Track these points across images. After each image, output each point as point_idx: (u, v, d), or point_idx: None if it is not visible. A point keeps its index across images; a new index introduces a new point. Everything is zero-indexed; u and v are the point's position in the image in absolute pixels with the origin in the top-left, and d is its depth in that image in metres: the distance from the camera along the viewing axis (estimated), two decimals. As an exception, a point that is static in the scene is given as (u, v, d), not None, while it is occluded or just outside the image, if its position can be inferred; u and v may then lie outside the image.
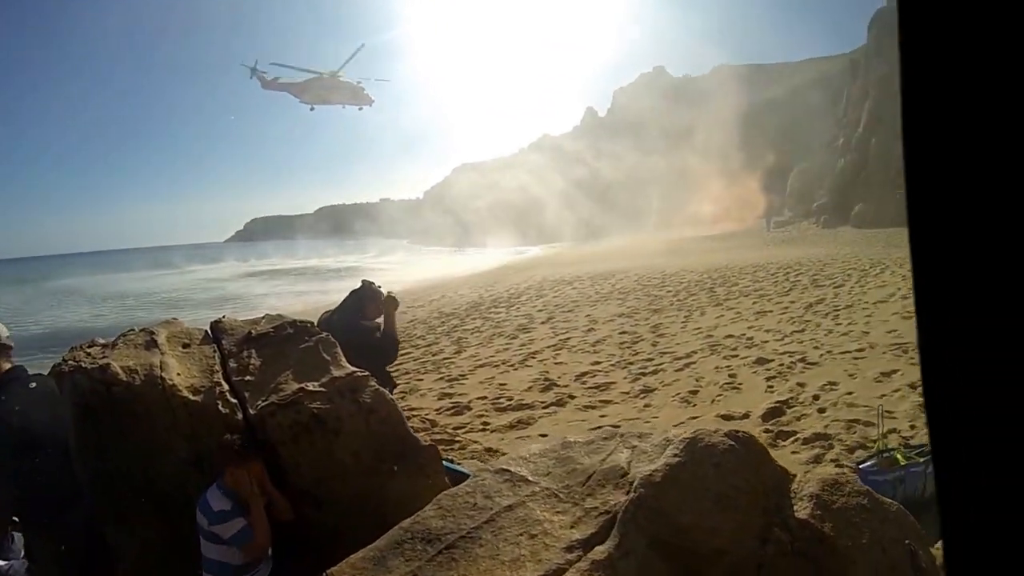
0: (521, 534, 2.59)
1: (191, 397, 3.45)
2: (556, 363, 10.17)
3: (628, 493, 2.61)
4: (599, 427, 6.90)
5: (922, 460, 4.85)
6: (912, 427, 6.14)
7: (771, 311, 12.86)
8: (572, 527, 2.57)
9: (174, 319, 4.18)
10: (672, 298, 15.88)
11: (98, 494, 3.50)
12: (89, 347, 3.76)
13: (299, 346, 3.69)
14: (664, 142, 70.48)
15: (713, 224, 51.84)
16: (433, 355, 11.50)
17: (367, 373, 3.58)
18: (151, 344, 3.77)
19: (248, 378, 3.56)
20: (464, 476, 4.18)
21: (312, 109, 50.59)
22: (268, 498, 3.20)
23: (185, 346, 3.85)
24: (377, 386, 3.55)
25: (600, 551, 2.43)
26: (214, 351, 3.80)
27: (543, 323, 14.05)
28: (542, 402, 8.05)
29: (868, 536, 2.65)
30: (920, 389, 6.05)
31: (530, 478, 2.87)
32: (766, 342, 10.28)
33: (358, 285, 5.04)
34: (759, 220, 46.87)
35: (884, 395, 7.12)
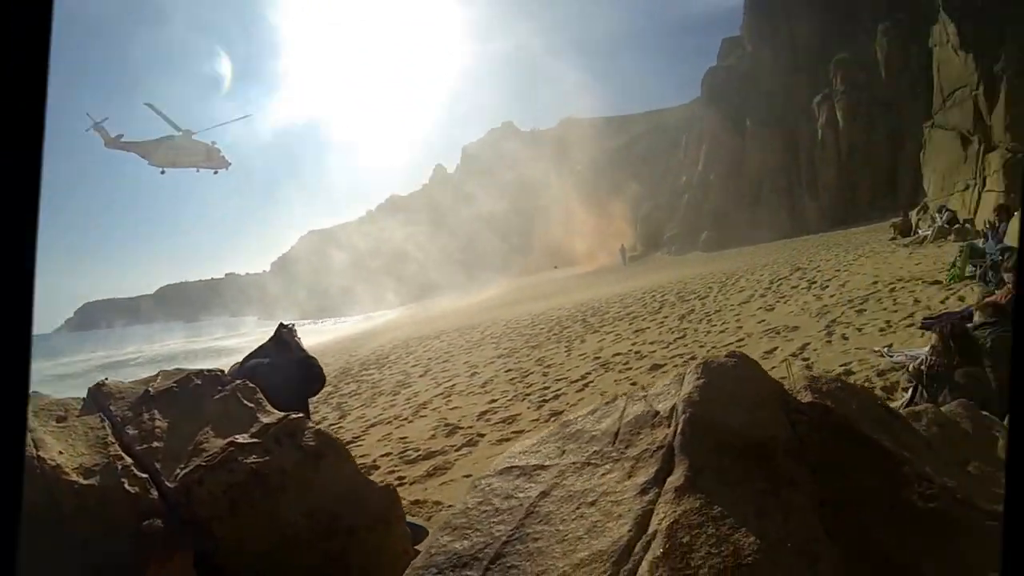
0: (577, 507, 2.36)
1: (82, 481, 2.76)
2: (451, 409, 9.82)
3: (670, 425, 2.57)
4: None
5: None
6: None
7: (648, 328, 13.30)
8: (630, 477, 2.43)
9: (34, 392, 3.36)
10: (548, 334, 16.01)
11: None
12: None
13: (213, 398, 3.16)
14: (516, 192, 72.60)
15: (572, 265, 53.96)
16: (316, 424, 10.73)
17: (302, 415, 3.14)
18: None
19: (156, 444, 2.95)
20: (417, 528, 3.78)
21: (163, 172, 45.35)
22: None
23: (60, 419, 3.13)
24: (318, 427, 3.11)
25: (675, 478, 2.34)
26: (101, 420, 3.14)
27: (421, 376, 13.65)
28: (452, 446, 7.68)
29: (856, 403, 2.87)
30: (800, 355, 6.62)
31: (546, 463, 2.65)
32: (654, 352, 10.64)
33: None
34: (615, 258, 49.04)
35: (773, 366, 7.78)
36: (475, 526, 2.41)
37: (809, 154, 38.74)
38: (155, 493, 2.83)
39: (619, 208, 58.36)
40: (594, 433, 2.76)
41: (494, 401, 9.63)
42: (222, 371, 3.45)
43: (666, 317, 14.22)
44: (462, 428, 8.42)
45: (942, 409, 3.31)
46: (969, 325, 4.95)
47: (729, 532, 2.03)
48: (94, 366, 51.16)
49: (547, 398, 9.09)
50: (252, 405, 3.16)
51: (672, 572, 1.92)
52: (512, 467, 2.72)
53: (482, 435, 7.92)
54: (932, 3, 29.35)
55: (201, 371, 3.37)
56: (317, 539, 2.93)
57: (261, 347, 4.68)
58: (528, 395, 9.55)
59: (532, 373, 11.18)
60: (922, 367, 4.78)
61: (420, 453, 7.64)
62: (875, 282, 12.49)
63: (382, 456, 7.86)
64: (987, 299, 5.79)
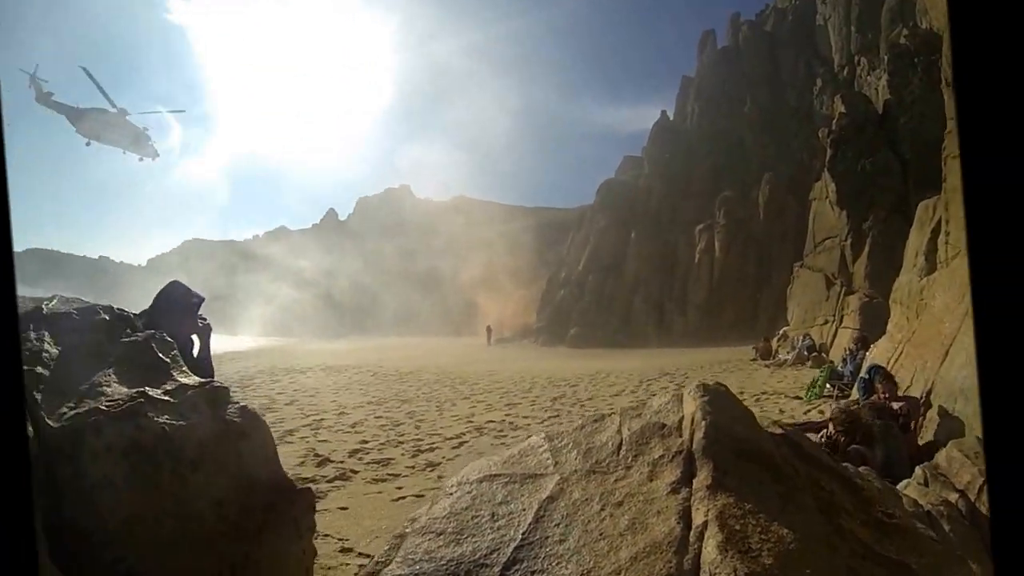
0: (603, 508, 2.17)
1: None
2: (320, 441, 9.01)
3: (681, 436, 2.54)
4: (401, 498, 6.16)
5: None
6: None
7: (520, 403, 13.03)
8: (652, 479, 2.31)
9: None
10: (416, 391, 15.45)
11: None
12: None
13: (120, 339, 2.50)
14: (400, 254, 72.09)
15: (437, 335, 53.54)
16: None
17: (226, 385, 2.54)
18: None
19: (40, 371, 2.23)
20: None
21: (88, 144, 41.95)
22: None
23: None
24: (243, 403, 2.52)
25: (703, 478, 2.28)
26: None
27: (287, 404, 12.72)
28: (324, 476, 6.93)
29: (807, 445, 3.18)
30: None
31: (540, 472, 2.41)
32: (528, 424, 10.34)
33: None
34: (481, 334, 48.81)
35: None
36: (470, 531, 2.04)
37: (684, 274, 40.89)
38: (30, 430, 2.06)
39: (498, 290, 59.15)
40: (591, 445, 2.62)
41: (365, 443, 8.93)
42: (134, 314, 2.77)
43: (538, 396, 14.02)
44: (333, 461, 7.69)
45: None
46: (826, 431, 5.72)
47: (767, 523, 2.08)
48: None
49: (422, 449, 8.52)
50: (168, 360, 2.51)
51: (739, 554, 1.95)
52: (495, 475, 2.43)
53: (355, 471, 7.24)
54: (811, 164, 34.37)
55: (110, 306, 2.68)
56: (220, 537, 2.29)
57: (151, 308, 3.69)
58: (401, 442, 8.95)
59: (403, 424, 10.57)
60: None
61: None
62: (741, 392, 12.80)
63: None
64: (850, 407, 6.46)
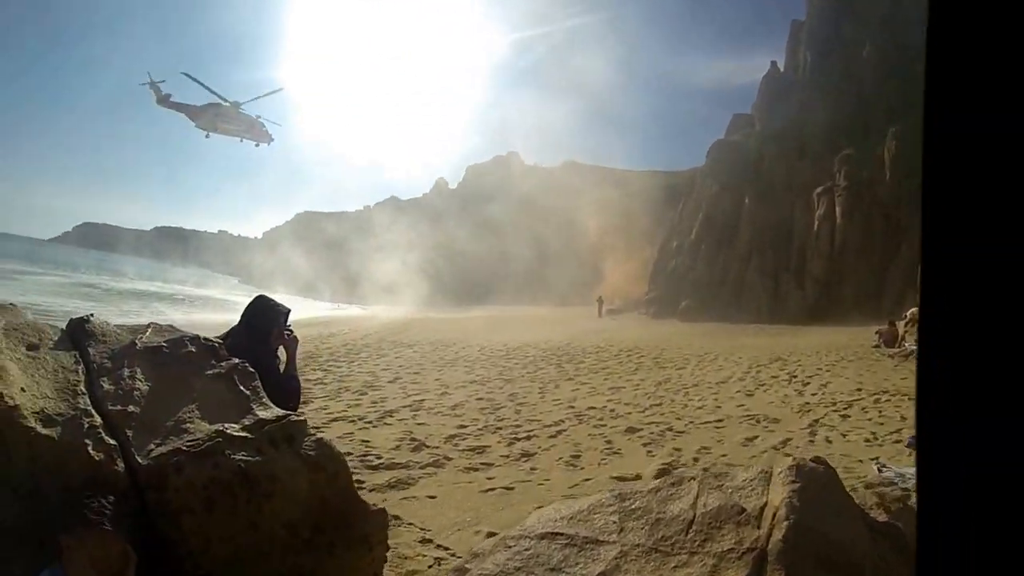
0: None
1: (41, 430, 2.22)
2: (418, 424, 9.30)
3: (759, 528, 2.35)
4: (490, 490, 6.30)
5: None
6: None
7: (624, 387, 12.92)
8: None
9: (11, 305, 2.84)
10: (521, 370, 15.56)
11: None
12: None
13: (205, 372, 2.64)
14: (510, 222, 72.61)
15: (548, 304, 53.82)
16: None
17: (304, 418, 2.67)
18: None
19: (132, 408, 2.40)
20: None
21: (208, 136, 46.18)
22: None
23: (32, 347, 2.57)
24: (320, 436, 2.65)
25: None
26: (76, 362, 2.58)
27: (391, 382, 13.10)
28: (417, 462, 7.16)
29: None
30: (783, 450, 6.20)
31: (602, 538, 2.32)
32: (629, 413, 10.23)
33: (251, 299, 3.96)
34: (592, 305, 48.55)
35: (754, 456, 7.42)
36: None
37: (802, 243, 38.06)
38: (121, 466, 2.29)
39: (609, 258, 58.51)
40: (660, 515, 2.48)
41: (463, 427, 9.12)
42: (220, 342, 2.93)
43: (642, 380, 13.85)
44: (429, 446, 7.92)
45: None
46: None
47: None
48: (84, 284, 49.89)
49: (519, 436, 8.62)
50: (248, 392, 2.64)
51: None
52: (557, 533, 2.38)
53: (449, 458, 7.44)
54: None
55: (196, 337, 2.84)
56: (291, 551, 2.46)
57: (240, 327, 3.86)
58: (500, 428, 9.08)
59: (504, 407, 10.71)
60: None
61: (383, 461, 7.14)
62: (859, 389, 12.11)
63: (344, 453, 7.31)
64: None
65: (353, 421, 9.27)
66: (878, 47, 41.51)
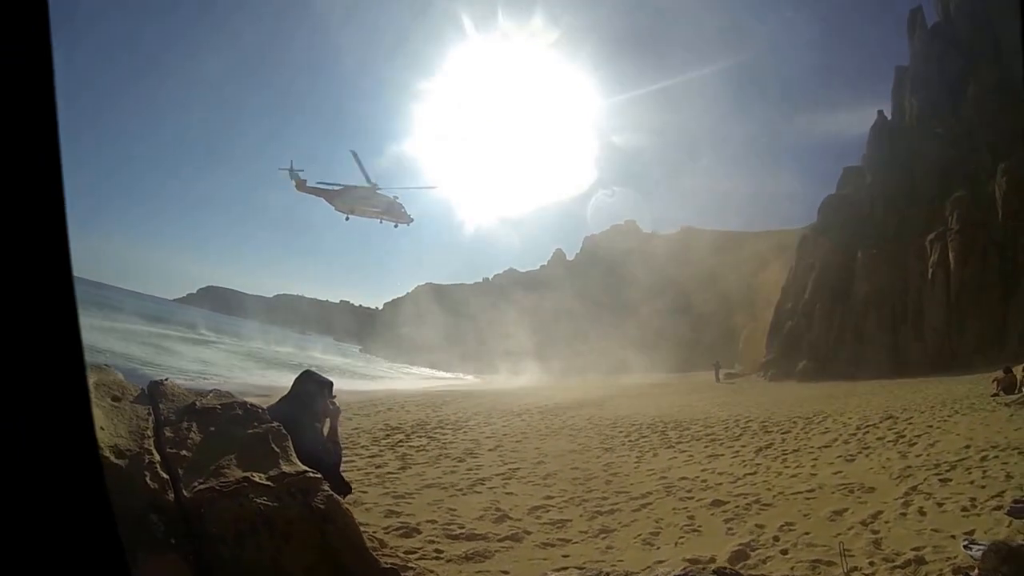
0: None
1: (113, 459, 2.81)
2: (506, 493, 9.53)
3: None
4: (563, 568, 6.39)
5: None
6: (871, 563, 6.06)
7: (723, 455, 12.54)
8: None
9: (107, 366, 3.53)
10: (624, 438, 15.45)
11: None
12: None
13: (247, 431, 3.15)
14: (627, 291, 72.68)
15: (668, 372, 52.95)
16: (377, 467, 10.74)
17: (319, 476, 3.07)
18: None
19: (184, 453, 2.97)
20: None
21: (347, 219, 47.67)
22: None
23: (116, 399, 3.22)
24: (331, 492, 3.03)
25: None
26: (148, 413, 3.21)
27: (491, 450, 13.43)
28: (496, 534, 7.33)
29: None
30: (871, 526, 5.89)
31: None
32: (720, 484, 9.94)
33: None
34: (709, 371, 47.35)
35: (839, 533, 7.05)
36: None
37: (918, 292, 36.56)
38: (171, 496, 2.84)
39: (723, 322, 57.28)
40: None
41: (550, 498, 9.24)
42: (262, 409, 3.46)
43: (743, 446, 13.36)
44: (511, 518, 8.08)
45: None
46: None
47: None
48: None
49: (602, 510, 8.61)
50: (278, 451, 3.13)
51: None
52: None
53: (529, 532, 7.55)
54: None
55: (245, 403, 3.41)
56: None
57: (288, 397, 4.35)
58: (585, 501, 9.11)
59: (596, 478, 10.72)
60: None
61: (464, 531, 7.37)
62: (967, 446, 11.05)
63: (427, 521, 7.65)
64: None
65: (445, 488, 9.63)
66: (983, 84, 39.68)
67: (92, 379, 3.23)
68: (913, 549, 6.38)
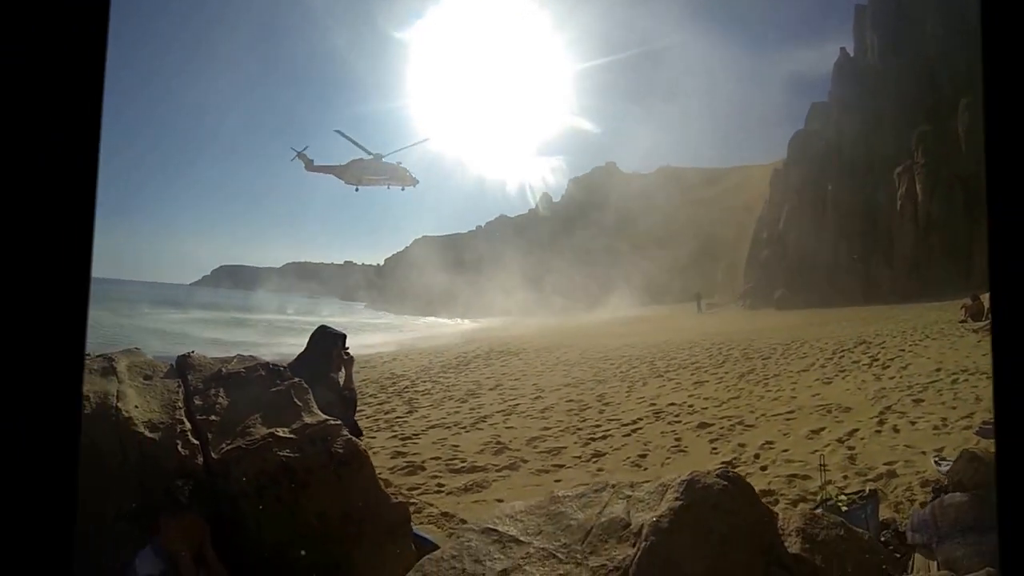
0: None
1: (147, 434, 3.03)
2: (507, 427, 9.92)
3: (634, 545, 2.42)
4: (568, 486, 6.74)
5: (861, 504, 4.98)
6: (844, 477, 6.51)
7: (707, 381, 12.97)
8: None
9: (136, 348, 3.74)
10: (615, 370, 15.82)
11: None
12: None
13: (270, 389, 3.36)
14: (611, 231, 72.91)
15: (653, 305, 53.56)
16: (385, 413, 11.11)
17: (339, 422, 3.29)
18: (108, 371, 3.34)
19: (213, 418, 3.19)
20: (429, 544, 3.84)
21: (357, 190, 48.14)
22: (208, 572, 2.65)
23: (147, 378, 3.42)
24: (350, 436, 3.25)
25: None
26: (178, 386, 3.40)
27: (491, 389, 13.80)
28: (495, 465, 7.76)
29: (852, 565, 2.59)
30: (847, 442, 6.18)
31: (522, 538, 2.57)
32: (705, 408, 10.38)
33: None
34: (691, 303, 47.89)
35: (816, 450, 7.40)
36: None
37: (887, 223, 37.09)
38: (201, 460, 3.05)
39: (701, 254, 57.91)
40: (571, 522, 2.65)
41: (547, 429, 9.64)
42: (284, 367, 3.66)
43: (727, 373, 13.79)
44: (510, 449, 8.48)
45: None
46: None
47: None
48: (226, 319, 53.46)
49: (595, 436, 9.03)
50: (300, 404, 3.32)
51: None
52: (493, 530, 2.67)
53: (525, 461, 7.96)
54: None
55: (267, 363, 3.60)
56: (324, 540, 3.03)
57: (305, 354, 4.51)
58: (580, 429, 9.52)
59: (590, 408, 11.11)
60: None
61: (465, 465, 7.77)
62: (938, 369, 11.51)
63: (432, 459, 8.02)
64: None
65: (449, 427, 10.00)
66: (942, 21, 39.45)
67: (124, 362, 3.46)
68: (885, 464, 6.81)
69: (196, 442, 3.10)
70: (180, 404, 3.30)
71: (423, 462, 7.86)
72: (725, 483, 2.68)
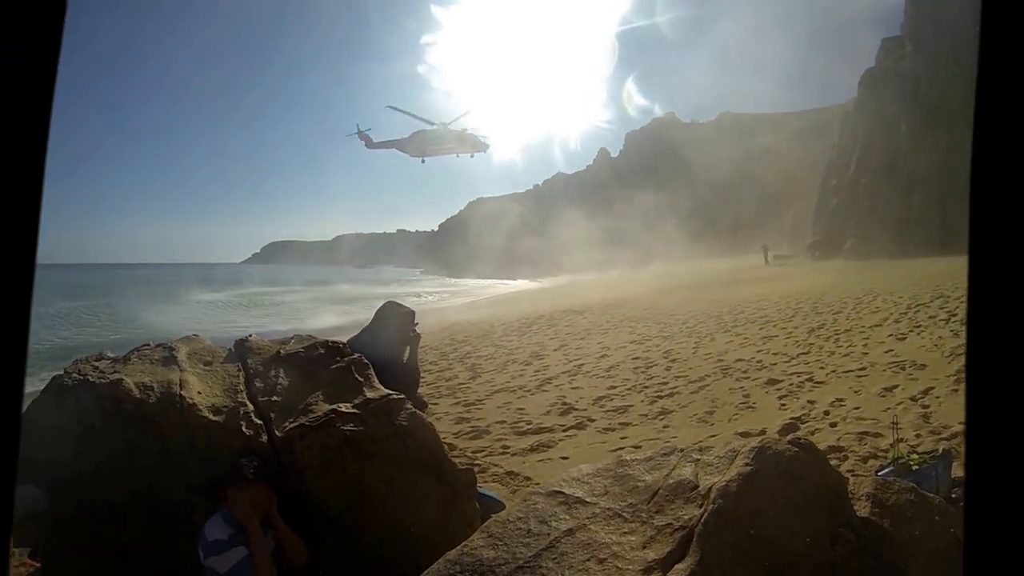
0: (588, 559, 2.27)
1: (211, 417, 3.12)
2: (572, 388, 9.88)
3: (701, 506, 2.40)
4: (620, 448, 6.69)
5: (932, 463, 4.74)
6: (917, 435, 6.21)
7: (776, 336, 12.56)
8: (644, 547, 2.31)
9: (195, 335, 3.83)
10: (681, 325, 15.54)
11: (90, 528, 3.09)
12: (97, 360, 3.40)
13: (330, 367, 3.39)
14: (672, 183, 71.33)
15: (717, 258, 52.38)
16: (447, 380, 11.21)
17: (403, 396, 3.29)
18: (170, 360, 3.44)
19: (275, 399, 3.24)
20: (494, 501, 3.87)
21: (423, 161, 46.62)
22: (277, 535, 2.79)
23: (207, 364, 3.51)
24: (414, 409, 3.26)
25: (680, 569, 2.20)
26: (238, 370, 3.47)
27: (556, 350, 13.74)
28: (561, 425, 7.74)
29: (920, 528, 2.53)
30: (921, 401, 5.84)
31: (587, 499, 2.56)
32: (775, 364, 10.06)
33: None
34: (757, 254, 46.58)
35: (888, 408, 7.12)
36: (506, 540, 2.40)
37: (967, 164, 34.29)
38: (265, 438, 3.11)
39: (768, 204, 55.92)
40: (638, 484, 2.64)
41: (613, 388, 9.55)
42: (344, 344, 3.67)
43: (796, 327, 13.29)
44: (577, 409, 8.44)
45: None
46: None
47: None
48: (271, 300, 54.24)
49: (662, 394, 8.89)
50: (361, 379, 3.35)
51: None
52: (560, 492, 2.65)
53: (592, 420, 7.91)
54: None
55: (326, 341, 3.63)
56: (390, 502, 3.09)
57: (370, 326, 4.53)
58: (646, 387, 9.39)
59: (656, 365, 10.94)
60: None
61: (531, 427, 7.77)
62: None
63: (497, 422, 8.07)
64: None
65: (513, 391, 10.02)
66: None
67: (183, 350, 3.56)
68: (961, 423, 6.38)
69: (259, 422, 3.16)
70: (241, 387, 3.36)
71: (488, 426, 7.91)
72: (796, 450, 2.63)
